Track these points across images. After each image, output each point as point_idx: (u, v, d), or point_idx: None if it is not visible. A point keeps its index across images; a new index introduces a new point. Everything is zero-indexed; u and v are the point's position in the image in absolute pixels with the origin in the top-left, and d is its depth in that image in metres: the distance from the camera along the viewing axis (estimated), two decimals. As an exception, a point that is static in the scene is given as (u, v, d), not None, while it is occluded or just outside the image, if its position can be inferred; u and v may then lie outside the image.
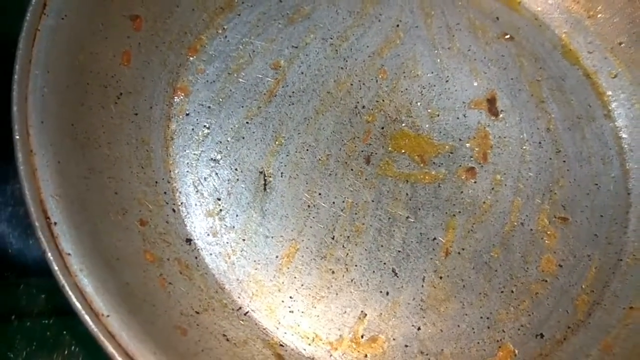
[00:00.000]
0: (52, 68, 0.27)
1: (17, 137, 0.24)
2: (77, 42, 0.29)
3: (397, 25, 0.40)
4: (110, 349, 0.21)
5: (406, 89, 0.39)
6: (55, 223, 0.23)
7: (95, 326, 0.22)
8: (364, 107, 0.38)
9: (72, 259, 0.23)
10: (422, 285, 0.34)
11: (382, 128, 0.38)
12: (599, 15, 0.41)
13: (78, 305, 0.22)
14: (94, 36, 0.30)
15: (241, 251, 0.33)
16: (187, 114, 0.35)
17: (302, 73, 0.38)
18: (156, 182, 0.33)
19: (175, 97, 0.35)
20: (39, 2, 0.28)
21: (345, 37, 0.39)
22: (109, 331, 0.22)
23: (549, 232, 0.36)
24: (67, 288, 0.22)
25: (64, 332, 0.33)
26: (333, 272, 0.33)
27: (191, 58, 0.36)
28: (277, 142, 0.36)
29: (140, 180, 0.32)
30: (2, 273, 0.35)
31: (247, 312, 0.31)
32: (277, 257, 0.33)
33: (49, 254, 0.22)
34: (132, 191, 0.31)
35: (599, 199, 0.38)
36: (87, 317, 0.22)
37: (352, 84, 0.38)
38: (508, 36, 0.41)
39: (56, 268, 0.22)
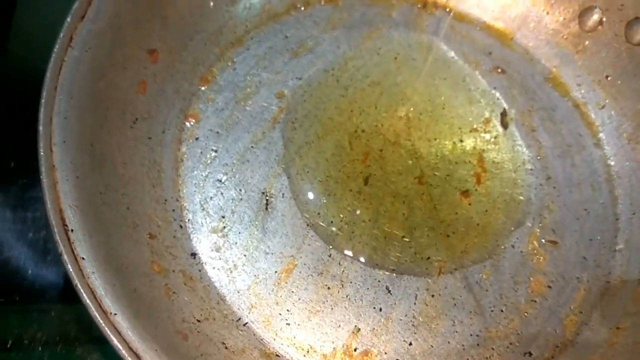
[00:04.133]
0: (75, 94, 0.30)
1: (42, 153, 0.27)
2: (99, 72, 0.32)
3: (396, 58, 0.43)
4: (115, 342, 0.24)
5: (405, 115, 0.41)
6: (72, 230, 0.26)
7: (103, 323, 0.24)
8: (363, 130, 0.40)
9: (86, 263, 0.25)
10: (415, 303, 0.35)
11: (381, 150, 0.40)
12: (586, 50, 0.43)
13: (89, 303, 0.24)
14: (114, 67, 0.34)
15: (242, 266, 0.35)
16: (197, 139, 0.38)
17: (305, 101, 0.41)
18: (165, 200, 0.35)
19: (187, 123, 0.38)
20: (66, 36, 0.31)
21: (346, 69, 0.42)
22: (115, 328, 0.24)
23: (538, 255, 0.38)
24: (79, 287, 0.24)
25: (78, 357, 0.35)
26: (329, 288, 0.35)
27: (202, 88, 0.40)
28: (279, 165, 0.38)
29: (151, 197, 0.34)
30: (20, 298, 0.37)
31: (246, 323, 0.33)
32: (276, 272, 0.35)
33: (65, 257, 0.25)
34: (143, 207, 0.33)
35: (588, 224, 0.39)
36: (96, 314, 0.24)
37: (352, 111, 0.41)
38: (500, 69, 0.43)
39: (71, 269, 0.25)
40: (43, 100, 0.28)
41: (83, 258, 0.25)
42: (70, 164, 0.28)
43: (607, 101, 0.42)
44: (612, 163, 0.41)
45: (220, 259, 0.35)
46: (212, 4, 0.39)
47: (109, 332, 0.24)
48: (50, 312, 0.36)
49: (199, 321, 0.31)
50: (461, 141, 0.41)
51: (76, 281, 0.24)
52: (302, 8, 0.43)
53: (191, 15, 0.38)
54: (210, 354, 0.30)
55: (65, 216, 0.26)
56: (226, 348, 0.31)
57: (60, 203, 0.26)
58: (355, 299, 0.35)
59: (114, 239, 0.29)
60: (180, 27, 0.38)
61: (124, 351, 0.24)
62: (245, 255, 0.35)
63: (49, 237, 0.38)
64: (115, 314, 0.25)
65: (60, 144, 0.28)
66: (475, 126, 0.42)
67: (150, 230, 0.33)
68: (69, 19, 0.31)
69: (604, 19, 0.42)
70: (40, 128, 0.28)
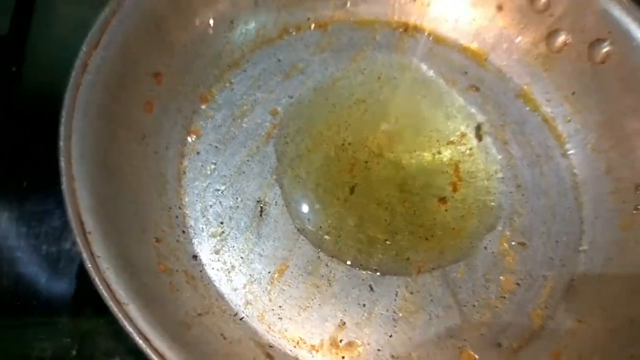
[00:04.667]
0: (90, 114, 0.34)
1: (63, 165, 0.31)
2: (110, 94, 0.36)
3: (379, 77, 0.47)
4: (128, 327, 0.27)
5: (387, 129, 0.45)
6: (89, 232, 0.30)
7: (117, 310, 0.28)
8: (350, 144, 0.44)
9: (101, 260, 0.29)
10: (395, 299, 0.39)
11: (366, 162, 0.44)
12: (554, 69, 0.47)
13: (105, 294, 0.28)
14: (124, 89, 0.38)
15: (239, 267, 0.39)
16: (198, 153, 0.42)
17: (296, 117, 0.45)
18: (170, 208, 0.39)
19: (189, 139, 0.42)
20: (81, 63, 0.35)
21: (334, 88, 0.46)
22: (128, 316, 0.28)
23: (508, 255, 0.41)
24: (97, 281, 0.28)
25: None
26: (317, 287, 0.39)
27: (203, 106, 0.44)
28: (272, 176, 0.42)
29: (157, 205, 0.38)
30: (30, 312, 0.40)
31: (242, 317, 0.37)
32: (269, 272, 0.39)
33: (84, 255, 0.29)
34: (150, 214, 0.37)
35: (554, 227, 0.43)
36: (111, 303, 0.28)
37: (339, 125, 0.45)
38: (475, 87, 0.48)
39: (89, 265, 0.29)
40: (63, 120, 0.33)
41: (99, 256, 0.29)
42: (87, 175, 0.32)
43: (573, 115, 0.46)
44: (578, 172, 0.45)
45: (219, 260, 0.39)
46: (211, 31, 0.44)
47: (122, 319, 0.28)
48: (59, 325, 0.39)
49: (200, 315, 0.35)
50: (439, 153, 0.45)
51: (93, 275, 0.28)
52: (294, 33, 0.48)
53: (192, 42, 0.43)
54: (210, 342, 0.33)
55: (83, 220, 0.30)
56: (224, 338, 0.34)
57: (79, 209, 0.30)
58: (341, 296, 0.39)
59: (125, 242, 0.33)
60: (182, 52, 0.42)
61: (135, 335, 0.27)
62: (241, 257, 0.39)
63: (61, 251, 0.42)
64: (127, 304, 0.28)
65: (78, 157, 0.32)
66: (452, 139, 0.45)
67: (156, 234, 0.37)
68: (84, 48, 0.36)
69: (569, 41, 0.46)
70: (61, 143, 0.32)
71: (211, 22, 0.44)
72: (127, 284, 0.29)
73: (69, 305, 0.40)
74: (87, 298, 0.40)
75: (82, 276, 0.40)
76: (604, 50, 0.44)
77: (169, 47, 0.41)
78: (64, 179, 0.31)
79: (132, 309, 0.28)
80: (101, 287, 0.28)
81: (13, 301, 0.40)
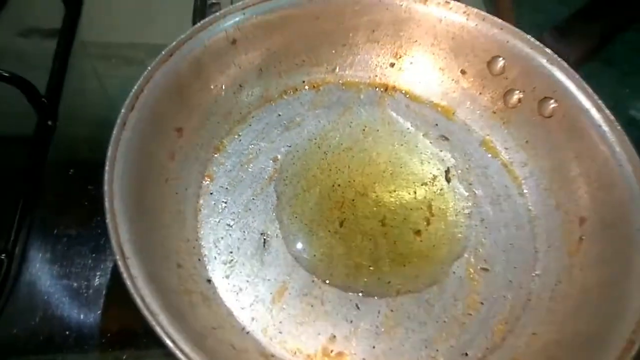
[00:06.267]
0: (127, 163, 0.42)
1: (107, 205, 0.39)
2: (143, 146, 0.44)
3: (364, 129, 0.56)
4: (160, 332, 0.34)
5: (371, 172, 0.53)
6: (128, 257, 0.37)
7: (152, 319, 0.35)
8: (339, 185, 0.52)
9: (138, 280, 0.36)
10: (378, 316, 0.46)
11: (353, 200, 0.52)
12: (510, 122, 0.56)
13: (142, 306, 0.35)
14: (153, 142, 0.45)
15: (246, 289, 0.46)
16: (211, 193, 0.50)
17: (294, 163, 0.53)
18: (188, 239, 0.47)
19: (204, 182, 0.50)
20: (121, 122, 0.43)
21: (326, 138, 0.55)
22: (160, 323, 0.35)
23: (474, 279, 0.49)
24: (135, 296, 0.35)
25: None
26: (312, 306, 0.46)
27: (216, 155, 0.52)
28: (273, 213, 0.50)
29: (178, 237, 0.46)
30: (62, 348, 0.43)
31: (248, 332, 0.44)
32: (271, 293, 0.46)
33: (124, 275, 0.36)
34: (172, 244, 0.45)
35: (513, 255, 0.50)
36: (147, 314, 0.35)
37: (330, 170, 0.53)
38: (444, 137, 0.56)
39: (128, 283, 0.36)
40: (107, 168, 0.40)
41: (136, 277, 0.37)
42: (125, 212, 0.40)
43: (528, 161, 0.55)
44: (532, 208, 0.53)
45: (229, 284, 0.46)
46: (223, 93, 0.52)
47: (155, 325, 0.35)
48: None
49: (214, 329, 0.42)
50: (415, 192, 0.53)
51: (132, 291, 0.36)
52: (292, 93, 0.57)
53: (208, 102, 0.51)
54: (222, 352, 0.40)
55: (123, 248, 0.38)
56: (234, 348, 0.41)
57: (119, 238, 0.38)
58: (332, 314, 0.46)
59: (153, 266, 0.40)
60: (199, 111, 0.51)
61: (166, 339, 0.34)
62: (247, 281, 0.46)
63: (90, 286, 0.48)
64: (159, 314, 0.35)
65: (118, 197, 0.40)
66: (425, 181, 0.54)
67: (177, 261, 0.44)
68: (123, 110, 0.44)
69: (522, 98, 0.55)
70: (105, 187, 0.40)
71: (223, 86, 0.53)
72: (158, 300, 0.37)
73: (96, 341, 0.45)
74: (112, 334, 0.46)
75: (108, 313, 0.46)
76: (551, 106, 0.53)
77: (189, 107, 0.49)
78: (108, 215, 0.38)
79: (163, 319, 0.35)
80: (138, 300, 0.35)
81: (45, 337, 0.44)
